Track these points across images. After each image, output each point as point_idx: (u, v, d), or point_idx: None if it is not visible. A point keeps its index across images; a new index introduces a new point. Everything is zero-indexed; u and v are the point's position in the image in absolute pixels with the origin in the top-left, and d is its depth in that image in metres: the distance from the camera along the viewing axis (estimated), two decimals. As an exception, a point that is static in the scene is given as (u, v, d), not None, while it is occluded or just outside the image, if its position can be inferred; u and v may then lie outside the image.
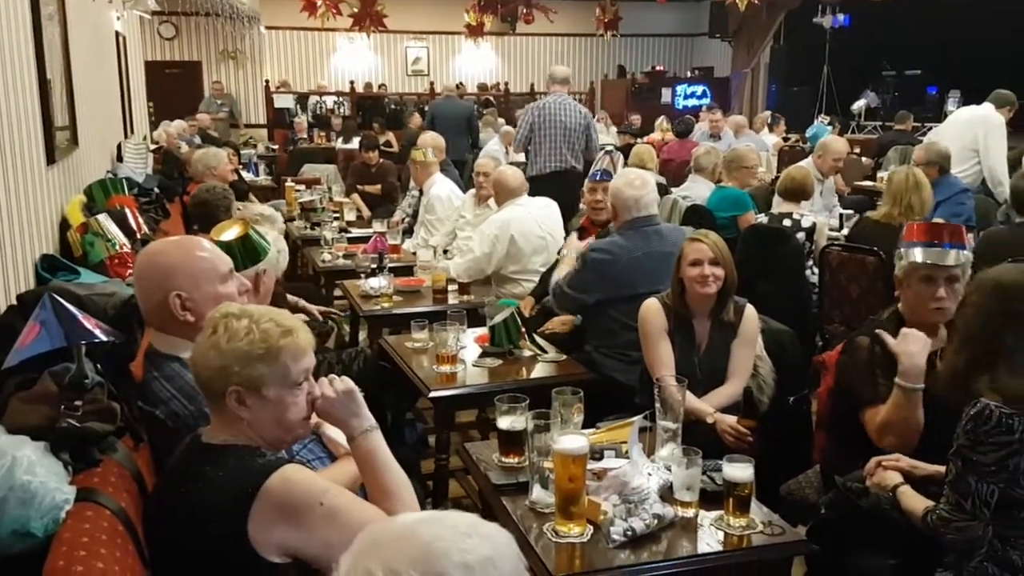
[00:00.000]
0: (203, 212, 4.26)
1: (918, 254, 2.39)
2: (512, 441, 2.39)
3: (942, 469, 2.00)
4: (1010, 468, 1.79)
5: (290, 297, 4.18)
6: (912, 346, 2.25)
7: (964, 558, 1.88)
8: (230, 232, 2.64)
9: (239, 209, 4.50)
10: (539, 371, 3.26)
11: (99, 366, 1.75)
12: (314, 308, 4.14)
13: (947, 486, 1.89)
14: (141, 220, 3.80)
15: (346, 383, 1.81)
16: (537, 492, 2.16)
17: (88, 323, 1.81)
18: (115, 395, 1.75)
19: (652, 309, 2.97)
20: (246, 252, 2.60)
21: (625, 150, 7.82)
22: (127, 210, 3.56)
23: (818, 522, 2.21)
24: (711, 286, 2.85)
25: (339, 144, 10.86)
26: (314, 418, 2.18)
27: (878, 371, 2.37)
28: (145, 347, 2.10)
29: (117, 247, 3.09)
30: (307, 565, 1.54)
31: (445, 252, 5.17)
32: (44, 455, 1.49)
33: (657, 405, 2.44)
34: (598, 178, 4.07)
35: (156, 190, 5.16)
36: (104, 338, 1.81)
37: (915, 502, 1.99)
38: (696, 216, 5.05)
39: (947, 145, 5.36)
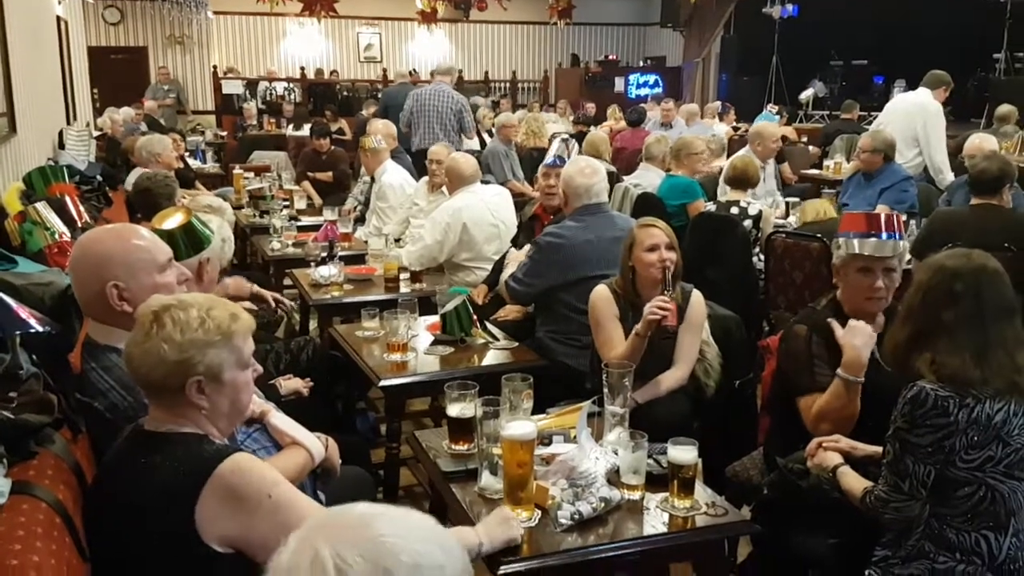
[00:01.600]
0: (145, 200, 4.17)
1: (855, 245, 2.42)
2: (462, 428, 2.39)
3: (880, 450, 2.05)
4: (946, 449, 1.85)
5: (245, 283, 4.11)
6: (858, 339, 2.29)
7: (902, 536, 1.94)
8: (172, 220, 2.60)
9: (183, 199, 4.42)
10: (491, 358, 3.27)
11: (35, 357, 1.71)
12: (269, 294, 4.09)
13: (885, 467, 1.94)
14: (82, 208, 3.71)
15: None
16: (486, 478, 2.17)
17: (23, 313, 1.77)
18: (52, 386, 1.71)
19: (602, 295, 2.99)
20: (189, 241, 2.56)
21: (579, 138, 7.86)
22: (67, 198, 3.48)
23: (761, 503, 2.26)
24: (669, 269, 2.88)
25: (290, 131, 10.70)
26: (261, 407, 2.18)
27: (816, 360, 2.42)
28: (83, 338, 2.05)
29: (56, 236, 3.01)
30: (246, 560, 1.53)
31: (397, 241, 5.14)
32: (-24, 448, 1.46)
33: (605, 390, 2.46)
34: (551, 163, 4.08)
35: (99, 178, 5.05)
36: (39, 328, 1.77)
37: (854, 482, 2.04)
38: (647, 204, 5.09)
39: (892, 133, 5.48)
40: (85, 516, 1.58)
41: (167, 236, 2.46)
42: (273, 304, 4.06)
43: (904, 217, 4.73)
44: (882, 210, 3.54)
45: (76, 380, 1.96)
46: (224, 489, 1.51)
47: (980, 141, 5.27)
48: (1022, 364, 1.88)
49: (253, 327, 1.71)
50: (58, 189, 3.65)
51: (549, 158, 4.19)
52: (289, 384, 3.04)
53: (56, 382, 1.76)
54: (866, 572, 1.94)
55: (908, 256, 2.59)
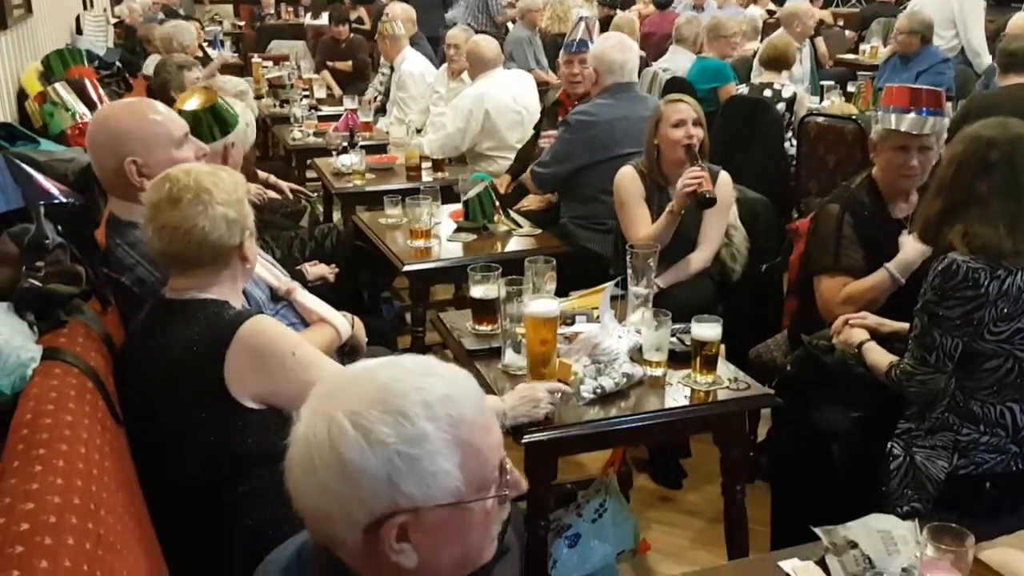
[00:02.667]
0: (160, 84, 4.11)
1: (892, 120, 2.36)
2: (485, 309, 2.40)
3: (907, 326, 2.04)
4: (975, 322, 1.83)
5: (260, 173, 4.11)
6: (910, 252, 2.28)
7: (926, 410, 1.94)
8: (194, 101, 2.56)
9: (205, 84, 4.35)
10: (514, 245, 3.26)
11: (60, 228, 1.72)
12: (284, 184, 4.08)
13: (912, 341, 1.93)
14: (103, 92, 3.67)
15: None
16: (510, 356, 2.19)
17: (47, 183, 1.77)
18: (78, 258, 1.72)
19: (627, 175, 2.96)
20: (214, 121, 2.52)
21: (605, 21, 7.58)
22: (87, 81, 3.44)
23: (784, 379, 2.27)
24: (695, 147, 2.81)
25: (308, 20, 10.43)
26: (287, 284, 2.20)
27: (844, 241, 2.38)
28: (107, 215, 2.06)
29: (78, 118, 2.99)
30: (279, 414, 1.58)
31: (419, 131, 5.06)
32: (8, 315, 1.48)
33: (629, 272, 2.45)
34: (573, 49, 3.92)
35: (118, 64, 4.98)
36: (63, 199, 1.77)
37: (880, 357, 2.03)
38: (676, 89, 4.93)
39: (929, 14, 5.25)
40: (116, 383, 1.62)
41: (192, 117, 2.43)
42: (290, 195, 4.06)
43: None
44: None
45: (103, 256, 1.97)
46: (250, 348, 1.55)
47: (1020, 19, 5.02)
48: None
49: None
50: (77, 72, 3.60)
51: (571, 44, 4.03)
52: (315, 270, 3.06)
53: (83, 256, 1.77)
54: (888, 445, 1.95)
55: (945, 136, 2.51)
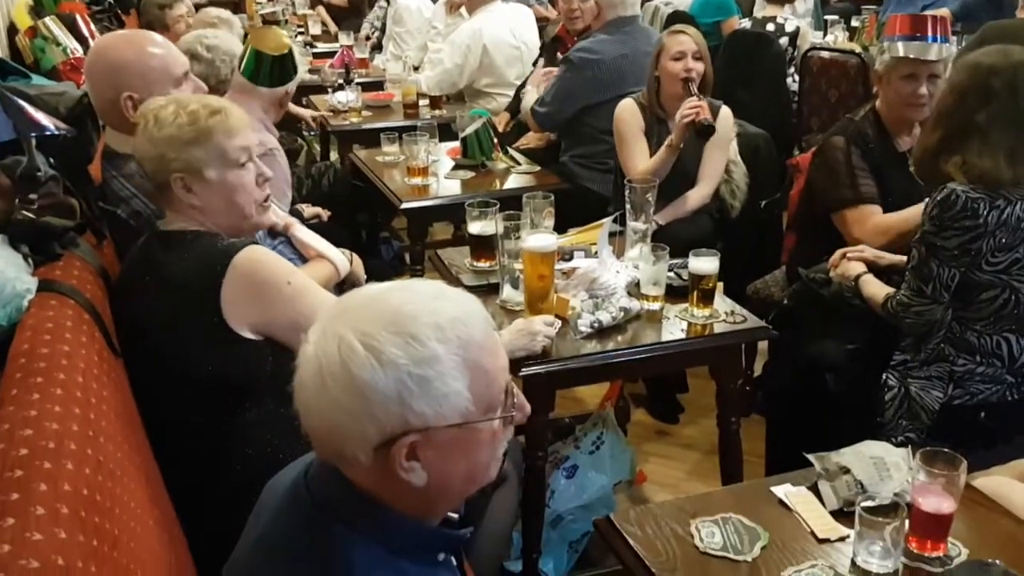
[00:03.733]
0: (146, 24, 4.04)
1: (900, 48, 2.32)
2: (483, 245, 2.39)
3: (904, 259, 2.03)
4: (972, 252, 1.82)
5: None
6: None
7: (922, 341, 1.95)
8: (276, 42, 2.55)
9: (190, 15, 4.27)
10: (513, 182, 3.23)
11: (53, 162, 1.70)
12: (306, 112, 4.00)
13: (909, 272, 1.93)
14: (95, 28, 3.61)
15: None
16: (508, 291, 2.19)
17: (38, 115, 1.75)
18: (72, 192, 1.71)
19: (627, 107, 2.93)
20: (279, 70, 2.55)
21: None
22: (77, 16, 3.37)
23: (781, 312, 2.27)
24: (694, 80, 2.78)
25: (304, -44, 10.21)
26: (284, 219, 2.19)
27: (857, 171, 2.36)
28: (102, 148, 2.04)
29: (69, 53, 2.95)
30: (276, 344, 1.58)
31: (416, 68, 4.98)
32: (2, 247, 1.48)
33: (627, 207, 2.44)
34: (574, -18, 3.84)
35: (110, 1, 4.88)
36: (55, 130, 1.75)
37: (876, 289, 2.03)
38: (678, 22, 4.85)
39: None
40: (113, 315, 1.63)
41: (255, 58, 2.47)
42: (312, 123, 4.00)
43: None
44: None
45: (98, 190, 1.96)
46: (244, 278, 1.54)
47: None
48: None
49: (244, 123, 1.68)
50: (68, 7, 3.53)
51: None
52: (311, 210, 3.06)
53: (77, 190, 1.76)
54: (884, 376, 1.97)
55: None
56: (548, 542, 2.22)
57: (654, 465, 2.78)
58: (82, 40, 3.19)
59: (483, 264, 2.38)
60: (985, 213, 1.79)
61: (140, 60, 1.99)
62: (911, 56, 2.29)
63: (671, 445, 2.89)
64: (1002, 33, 3.86)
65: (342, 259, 2.14)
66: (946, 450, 1.33)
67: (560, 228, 2.51)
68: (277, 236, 2.12)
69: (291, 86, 2.64)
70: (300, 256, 2.13)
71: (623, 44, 3.34)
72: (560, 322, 2.05)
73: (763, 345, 2.60)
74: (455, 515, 1.12)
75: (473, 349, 0.96)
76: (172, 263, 1.57)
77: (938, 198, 1.83)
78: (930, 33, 2.32)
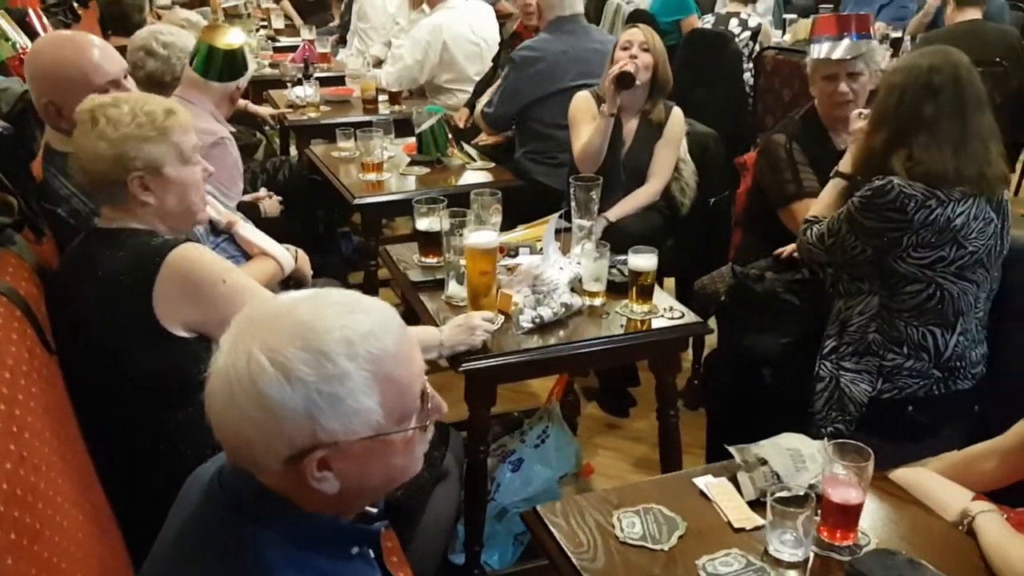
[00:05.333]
0: (115, 12, 4.02)
1: (814, 50, 2.41)
2: (430, 241, 2.41)
3: None
4: (885, 240, 1.88)
5: (240, 101, 4.05)
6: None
7: (843, 326, 2.01)
8: (226, 38, 2.57)
9: (153, 12, 4.26)
10: (468, 179, 3.26)
11: (-11, 159, 1.70)
12: (264, 110, 4.01)
13: (829, 219, 2.01)
14: (47, 23, 3.58)
15: None
16: (452, 287, 2.22)
17: (-27, 112, 1.74)
18: (10, 189, 1.71)
19: (582, 97, 3.00)
20: (230, 65, 2.58)
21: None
22: (29, 10, 3.34)
23: (720, 308, 2.32)
24: (640, 72, 2.82)
25: (270, -52, 10.13)
26: (227, 217, 2.20)
27: (800, 166, 2.41)
28: (44, 144, 2.03)
29: (19, 49, 2.92)
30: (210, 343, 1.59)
31: (380, 64, 4.98)
32: (-66, 244, 1.48)
33: (572, 204, 2.48)
34: (527, -21, 3.88)
35: (66, -7, 4.83)
36: (-9, 129, 1.74)
37: (825, 198, 2.15)
38: (639, 21, 4.89)
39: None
40: (49, 313, 1.63)
41: (207, 53, 2.46)
42: (271, 121, 4.00)
43: (900, 34, 4.62)
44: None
45: (39, 188, 1.96)
46: (178, 276, 1.55)
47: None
48: (994, 154, 1.90)
49: (190, 123, 1.70)
50: (19, 1, 3.50)
51: None
52: (270, 203, 3.07)
53: (16, 187, 1.75)
54: (816, 367, 2.02)
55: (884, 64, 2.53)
56: (493, 535, 2.26)
57: (603, 457, 2.82)
58: (33, 35, 3.16)
59: (430, 260, 2.41)
60: (913, 211, 1.84)
61: (61, 70, 1.98)
62: (826, 57, 2.36)
63: (620, 438, 2.94)
64: (946, 38, 3.96)
65: (286, 256, 2.16)
66: (855, 442, 1.37)
67: (515, 223, 2.55)
68: (220, 233, 2.13)
69: (242, 81, 2.66)
70: (244, 253, 2.14)
71: (564, 41, 3.41)
72: (503, 317, 2.09)
73: (712, 339, 2.65)
74: (373, 509, 1.14)
75: (385, 362, 0.96)
76: (107, 260, 1.58)
77: (877, 183, 1.87)
78: (844, 31, 2.38)
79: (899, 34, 4.58)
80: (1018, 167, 4.97)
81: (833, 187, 2.13)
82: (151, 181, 1.63)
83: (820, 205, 2.12)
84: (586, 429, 2.94)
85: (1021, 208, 4.95)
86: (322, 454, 0.94)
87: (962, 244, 1.86)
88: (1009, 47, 4.10)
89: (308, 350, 0.92)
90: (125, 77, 2.10)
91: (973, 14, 4.12)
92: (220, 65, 2.57)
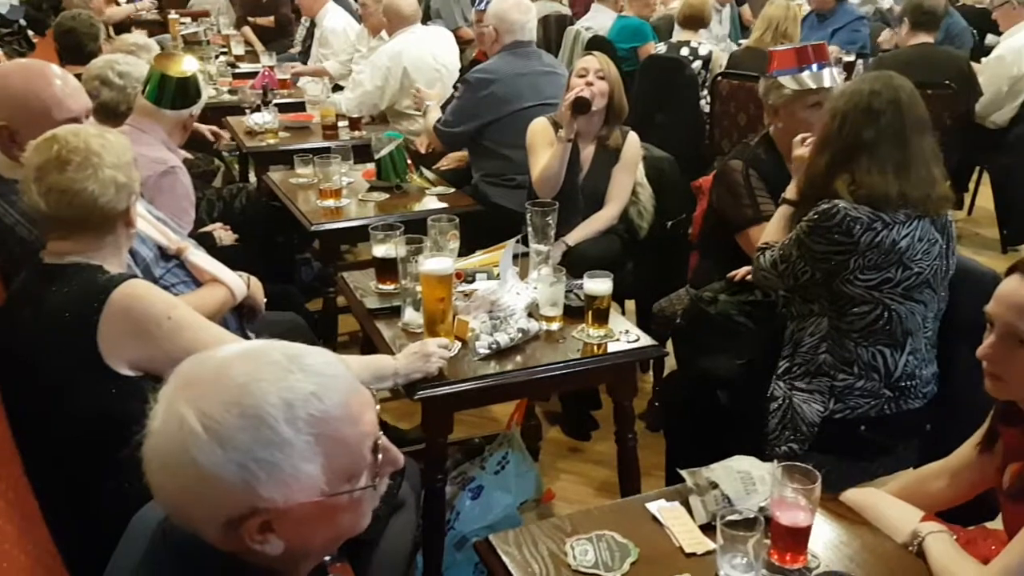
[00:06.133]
0: (70, 41, 3.98)
1: (807, 79, 2.41)
2: (387, 268, 2.40)
3: None
4: (833, 263, 1.90)
5: None
6: None
7: (796, 346, 2.03)
8: (179, 66, 2.56)
9: (110, 39, 4.23)
10: (428, 204, 3.26)
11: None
12: (204, 127, 3.98)
13: (781, 244, 2.03)
14: (1, 52, 3.54)
15: None
16: (409, 314, 2.21)
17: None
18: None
19: (539, 123, 3.03)
20: (183, 93, 2.58)
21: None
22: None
23: (677, 331, 2.33)
24: (596, 99, 2.85)
25: (233, -25, 10.12)
26: (178, 243, 2.17)
27: (757, 192, 2.44)
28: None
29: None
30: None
31: (340, 88, 4.99)
32: None
33: (529, 229, 2.49)
34: (483, 7, 3.92)
35: (22, 22, 4.78)
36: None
37: (775, 226, 2.15)
38: (597, 48, 4.96)
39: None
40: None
41: (159, 80, 2.46)
42: (210, 135, 3.97)
43: (852, 57, 4.72)
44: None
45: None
46: (123, 313, 1.53)
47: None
48: (938, 177, 1.93)
49: None
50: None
51: (481, 3, 4.02)
52: (226, 236, 3.05)
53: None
54: (770, 387, 2.04)
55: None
56: (453, 565, 2.24)
57: (565, 482, 2.81)
58: (-15, 63, 3.12)
59: (387, 287, 2.40)
60: (859, 234, 1.87)
61: (25, 96, 1.97)
62: (814, 86, 2.39)
63: (582, 462, 2.93)
64: (896, 62, 4.07)
65: (238, 283, 2.13)
66: (803, 464, 1.38)
67: (477, 247, 2.55)
68: (170, 260, 2.11)
69: (195, 109, 2.65)
70: (194, 280, 2.12)
71: (517, 64, 3.47)
72: (459, 344, 2.08)
73: (672, 361, 2.67)
74: (327, 556, 1.11)
75: (328, 424, 0.91)
76: (52, 296, 1.55)
77: (823, 207, 1.90)
78: (818, 60, 2.43)
79: (851, 58, 4.68)
80: (971, 187, 5.08)
81: (781, 214, 2.16)
82: (133, 207, 1.66)
83: (770, 231, 2.15)
84: (549, 453, 2.93)
85: (975, 227, 5.07)
86: (261, 519, 0.90)
87: (908, 266, 1.89)
88: (959, 70, 4.21)
89: (244, 416, 0.88)
90: (87, 116, 2.09)
91: (925, 38, 4.23)
92: (173, 93, 2.56)
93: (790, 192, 2.17)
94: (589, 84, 2.86)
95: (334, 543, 1.01)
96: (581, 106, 2.81)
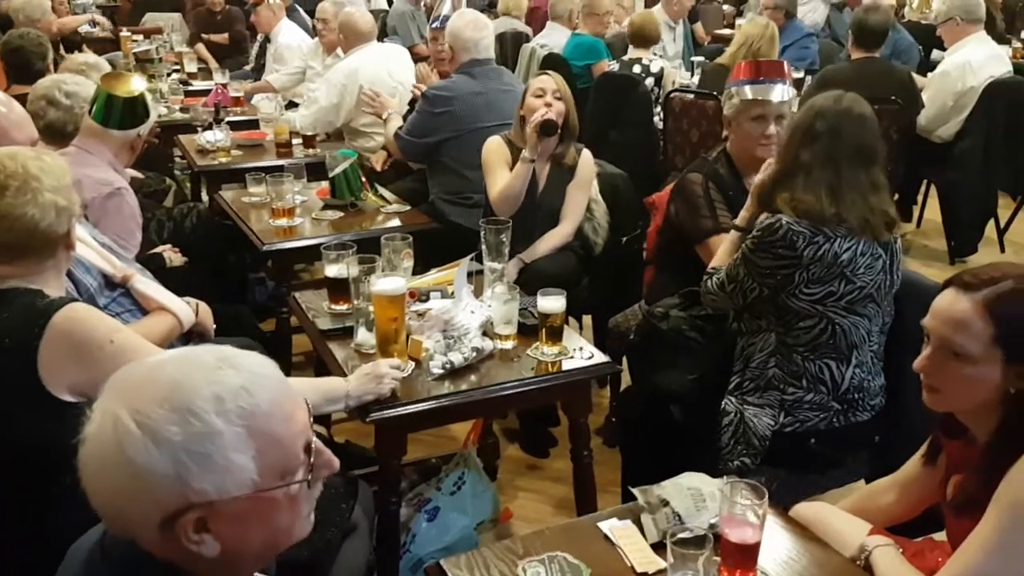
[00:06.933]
0: (18, 60, 3.90)
1: (748, 91, 2.45)
2: (339, 288, 2.38)
3: None
4: (779, 277, 1.93)
5: None
6: None
7: (746, 362, 2.05)
8: (126, 85, 2.51)
9: (61, 58, 4.16)
10: (382, 222, 3.24)
11: None
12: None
13: (727, 266, 2.05)
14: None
15: None
16: (362, 335, 2.19)
17: None
18: None
19: (494, 142, 3.03)
20: (131, 113, 2.54)
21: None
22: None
23: (630, 347, 2.34)
24: (552, 115, 2.86)
25: (187, -9, 10.02)
26: (123, 271, 2.13)
27: (716, 204, 2.46)
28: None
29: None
30: None
31: (295, 106, 4.95)
32: None
33: (483, 247, 2.48)
34: (438, 25, 3.93)
35: (-34, 40, 4.66)
36: None
37: (721, 252, 2.19)
38: (552, 65, 4.98)
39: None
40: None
41: (106, 101, 2.42)
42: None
43: (802, 73, 4.81)
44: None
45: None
46: (63, 337, 1.50)
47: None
48: (875, 206, 1.95)
49: None
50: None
51: (435, 20, 4.03)
52: (176, 257, 3.00)
53: None
54: (723, 402, 2.05)
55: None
56: (409, 587, 2.21)
57: (523, 500, 2.80)
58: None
59: (340, 307, 2.38)
60: (802, 247, 1.90)
61: None
62: (759, 98, 2.42)
63: (541, 479, 2.92)
64: (837, 77, 4.15)
65: (186, 310, 2.10)
66: (750, 480, 1.39)
67: (433, 266, 2.53)
68: (115, 288, 2.06)
69: (143, 129, 2.61)
70: (140, 308, 2.08)
71: (477, 82, 3.46)
72: (413, 364, 2.07)
73: (629, 377, 2.68)
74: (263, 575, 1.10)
75: (259, 418, 0.94)
76: None
77: (766, 223, 1.94)
78: (770, 76, 2.47)
79: (800, 74, 4.77)
80: (919, 199, 5.20)
81: (730, 240, 2.18)
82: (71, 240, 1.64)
83: (720, 257, 2.16)
84: (507, 471, 2.92)
85: (924, 239, 5.18)
86: (196, 515, 0.92)
87: (850, 279, 1.93)
88: (903, 85, 4.31)
89: (175, 410, 0.91)
90: (33, 146, 2.05)
91: (869, 53, 4.32)
92: (120, 113, 2.52)
93: (741, 219, 2.19)
94: (548, 105, 2.87)
95: (271, 548, 1.01)
96: (549, 128, 2.83)
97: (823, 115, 1.98)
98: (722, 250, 2.18)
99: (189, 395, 0.92)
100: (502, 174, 2.96)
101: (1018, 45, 6.07)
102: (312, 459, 1.00)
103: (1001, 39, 5.88)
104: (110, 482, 0.91)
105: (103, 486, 0.92)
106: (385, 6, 7.80)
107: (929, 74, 4.76)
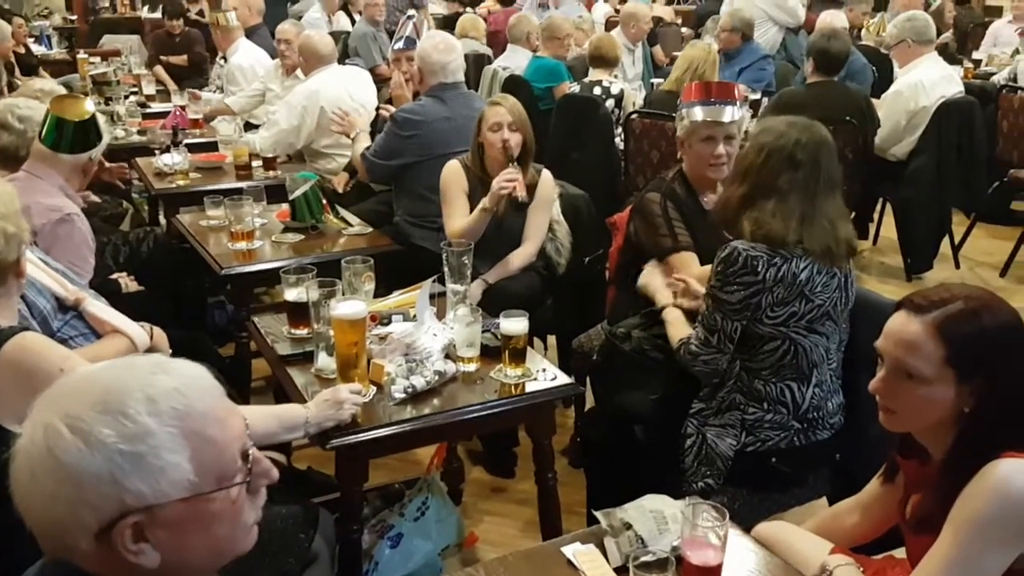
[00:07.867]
0: None
1: (698, 113, 2.47)
2: (299, 312, 2.35)
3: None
4: (753, 306, 1.94)
5: None
6: (656, 279, 2.39)
7: (715, 390, 2.05)
8: (76, 108, 2.48)
9: (19, 82, 4.09)
10: (344, 245, 3.22)
11: None
12: (110, 165, 3.84)
13: (699, 322, 2.04)
14: None
15: None
16: (322, 359, 2.16)
17: None
18: None
19: (452, 168, 3.01)
20: (82, 136, 2.52)
21: (453, 19, 7.60)
22: None
23: (593, 367, 2.34)
24: (514, 149, 2.87)
25: (145, 13, 9.96)
26: (75, 294, 2.08)
27: (675, 223, 2.48)
28: None
29: None
30: None
31: (255, 127, 4.91)
32: None
33: (445, 269, 2.47)
34: (401, 47, 3.93)
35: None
36: None
37: (675, 331, 2.14)
38: (514, 87, 5.02)
39: (751, 13, 5.55)
40: None
41: (56, 124, 2.39)
42: (121, 184, 3.86)
43: (759, 95, 4.89)
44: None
45: None
46: (12, 367, 1.47)
47: (831, 18, 5.39)
48: (841, 234, 1.98)
49: None
50: None
51: (398, 42, 4.03)
52: (132, 284, 2.95)
53: None
54: (684, 424, 2.05)
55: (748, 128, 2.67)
56: (372, 616, 2.17)
57: (489, 524, 2.77)
58: None
59: (300, 331, 2.35)
60: (763, 271, 1.92)
61: None
62: (708, 119, 2.45)
63: (505, 502, 2.90)
64: (793, 100, 4.23)
65: (140, 333, 2.06)
66: (711, 502, 1.39)
67: (395, 288, 2.51)
68: (68, 311, 2.02)
69: (95, 153, 2.56)
70: (93, 331, 2.03)
71: (446, 107, 3.44)
72: (374, 388, 2.04)
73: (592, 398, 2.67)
74: None
75: (194, 419, 0.94)
76: None
77: (722, 255, 1.95)
78: (719, 98, 2.50)
79: (757, 96, 4.85)
80: (875, 217, 5.29)
81: (675, 317, 2.19)
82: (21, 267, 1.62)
83: (677, 332, 2.14)
84: (472, 495, 2.89)
85: (880, 256, 5.27)
86: (133, 520, 0.91)
87: (810, 298, 1.95)
88: (858, 106, 4.40)
89: (108, 412, 0.91)
90: None
91: (826, 77, 4.40)
92: (71, 137, 2.48)
93: (667, 299, 2.25)
94: (505, 140, 2.85)
95: (214, 559, 1.00)
96: (520, 206, 2.85)
97: (802, 145, 1.98)
98: (677, 327, 2.16)
99: (122, 398, 0.92)
100: (460, 205, 2.95)
101: (969, 65, 6.23)
102: (251, 466, 0.99)
103: (952, 59, 6.05)
104: (44, 491, 0.90)
105: (37, 497, 0.91)
106: (348, 27, 7.80)
107: (883, 94, 4.86)
